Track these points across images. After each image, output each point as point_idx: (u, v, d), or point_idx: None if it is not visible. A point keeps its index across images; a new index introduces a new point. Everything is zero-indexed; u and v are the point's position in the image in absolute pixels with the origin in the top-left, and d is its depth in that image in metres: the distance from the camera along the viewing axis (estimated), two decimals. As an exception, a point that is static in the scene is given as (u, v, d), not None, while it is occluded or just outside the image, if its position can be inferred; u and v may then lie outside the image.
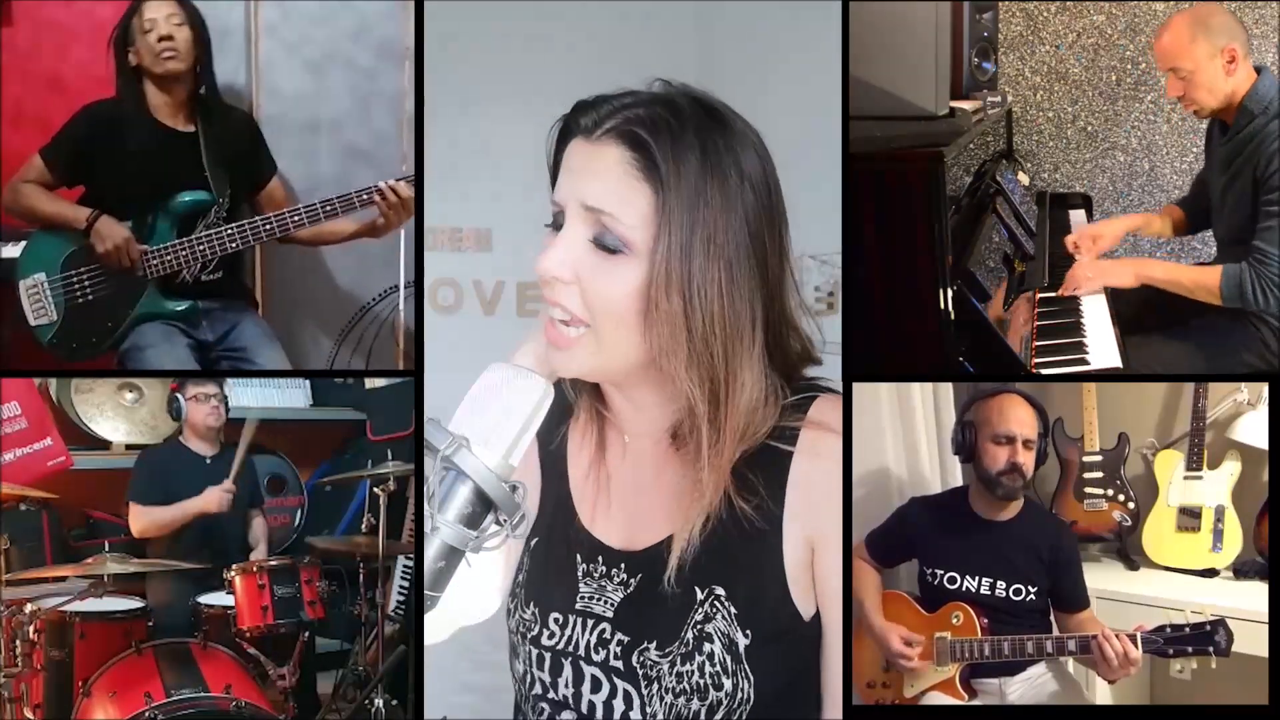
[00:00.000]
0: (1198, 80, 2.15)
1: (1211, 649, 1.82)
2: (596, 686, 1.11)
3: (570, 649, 1.13)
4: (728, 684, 1.06)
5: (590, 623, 1.13)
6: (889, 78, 1.95)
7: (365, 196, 2.30)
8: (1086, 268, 2.26)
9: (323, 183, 2.28)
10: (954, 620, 2.04)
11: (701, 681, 1.07)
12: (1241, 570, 2.33)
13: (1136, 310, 2.27)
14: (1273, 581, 2.03)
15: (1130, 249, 3.29)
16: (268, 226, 2.33)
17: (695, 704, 1.07)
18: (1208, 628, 1.83)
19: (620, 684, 1.10)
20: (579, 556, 1.16)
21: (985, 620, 2.02)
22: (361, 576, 2.76)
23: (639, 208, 0.99)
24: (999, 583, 2.04)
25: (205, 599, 2.62)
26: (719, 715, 1.07)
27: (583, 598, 1.14)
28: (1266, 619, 1.97)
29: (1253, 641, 1.96)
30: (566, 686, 1.13)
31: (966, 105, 2.41)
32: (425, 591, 0.92)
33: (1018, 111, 3.32)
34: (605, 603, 1.13)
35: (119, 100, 2.41)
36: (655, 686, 1.08)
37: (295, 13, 2.85)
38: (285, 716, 2.47)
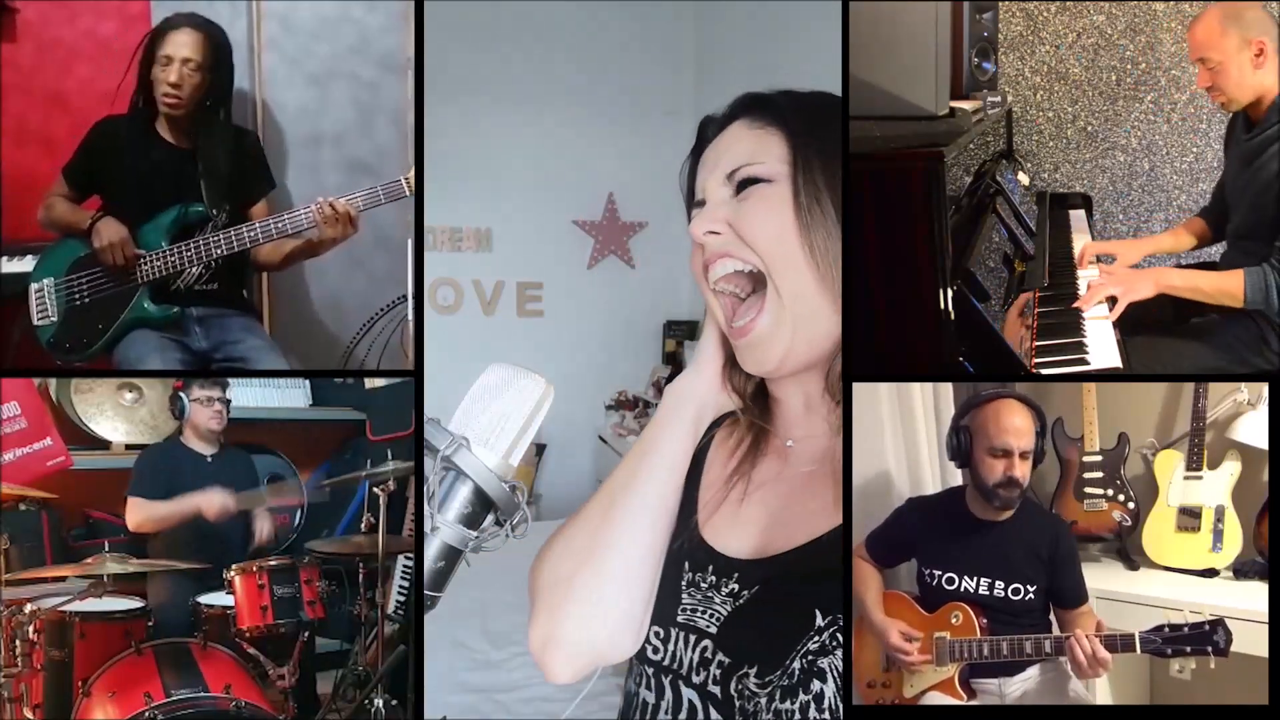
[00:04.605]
0: (1226, 71, 2.17)
1: (1210, 649, 1.82)
2: (692, 716, 1.03)
3: (673, 665, 1.05)
4: None
5: (693, 638, 1.04)
6: (889, 78, 1.95)
7: (308, 214, 2.33)
8: (1110, 282, 2.24)
9: (326, 196, 2.33)
10: (953, 620, 2.04)
11: None
12: (1241, 570, 2.33)
13: (1137, 311, 2.27)
14: (1273, 581, 2.02)
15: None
16: (227, 242, 2.38)
17: None
18: (1206, 627, 1.83)
19: (714, 716, 1.00)
20: (686, 564, 1.08)
21: (984, 620, 2.02)
22: (361, 576, 2.76)
23: (772, 148, 1.04)
24: (997, 583, 2.03)
25: (205, 599, 2.62)
26: None
27: (684, 610, 1.06)
28: (1266, 619, 1.96)
29: (1252, 641, 1.96)
30: (666, 712, 1.05)
31: (966, 105, 2.41)
32: (425, 591, 0.92)
33: (1018, 111, 3.32)
34: (710, 616, 1.04)
35: (128, 115, 2.48)
36: None
37: (297, 27, 2.87)
38: (285, 716, 2.47)
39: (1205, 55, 2.19)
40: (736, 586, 1.03)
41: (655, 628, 1.07)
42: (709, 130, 1.11)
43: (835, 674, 0.94)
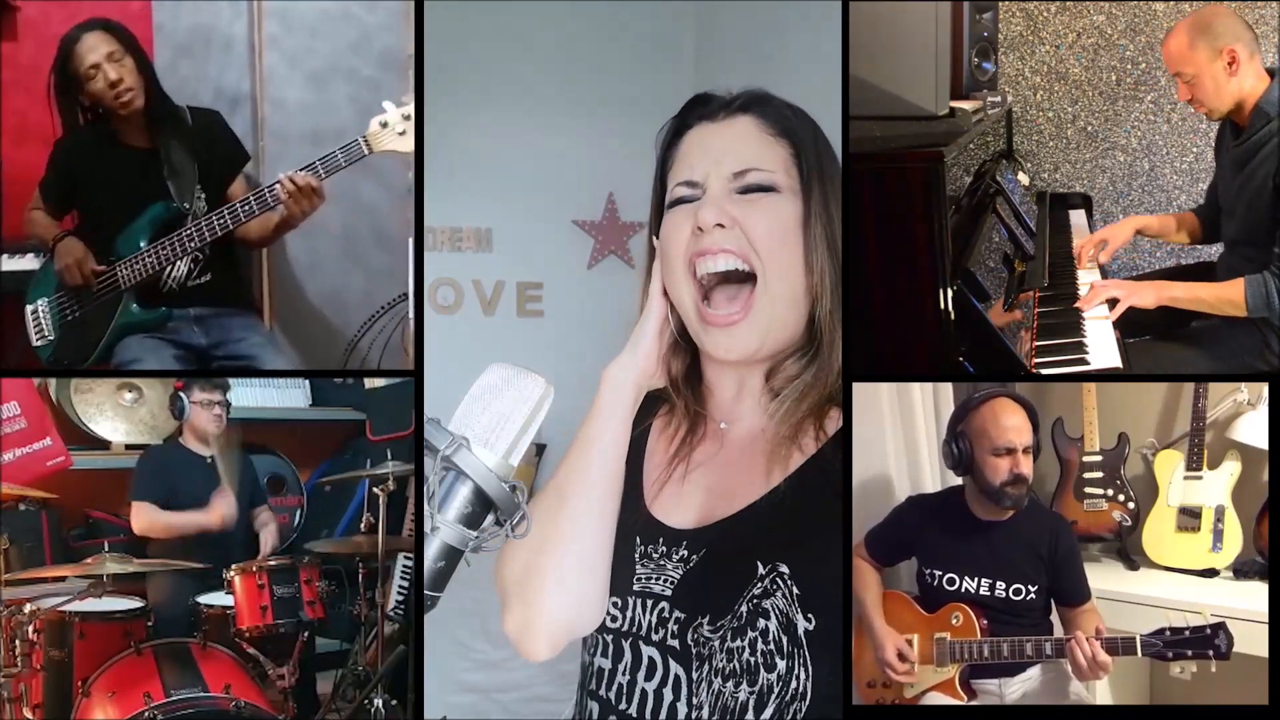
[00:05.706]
0: (1202, 83, 2.18)
1: (1211, 653, 1.82)
2: (651, 671, 1.12)
3: (632, 629, 1.14)
4: (781, 666, 1.05)
5: (650, 603, 1.13)
6: (889, 78, 1.95)
7: (273, 191, 2.27)
8: (1112, 285, 2.24)
9: (325, 192, 2.31)
10: (953, 621, 2.04)
11: (752, 660, 1.06)
12: (1241, 570, 2.33)
13: (1137, 312, 2.26)
14: (1273, 581, 2.03)
15: (1129, 249, 3.30)
16: (199, 232, 2.34)
17: (744, 690, 1.05)
18: (1207, 631, 1.83)
19: (673, 667, 1.10)
20: (638, 539, 1.17)
21: (985, 621, 2.02)
22: (361, 576, 2.76)
23: (782, 160, 1.13)
24: (998, 583, 2.03)
25: (205, 599, 2.62)
26: (769, 708, 1.05)
27: (639, 579, 1.15)
28: (1266, 619, 1.96)
29: (1252, 641, 1.96)
30: (624, 673, 1.14)
31: (966, 105, 2.41)
32: (425, 591, 0.92)
33: (1018, 111, 3.32)
34: (664, 581, 1.13)
35: (86, 130, 2.43)
36: (705, 668, 1.08)
37: (297, 25, 2.87)
38: (285, 716, 2.47)
39: (1180, 70, 2.20)
40: (686, 553, 1.14)
41: (613, 598, 1.16)
42: (713, 107, 1.17)
43: (777, 612, 1.06)
